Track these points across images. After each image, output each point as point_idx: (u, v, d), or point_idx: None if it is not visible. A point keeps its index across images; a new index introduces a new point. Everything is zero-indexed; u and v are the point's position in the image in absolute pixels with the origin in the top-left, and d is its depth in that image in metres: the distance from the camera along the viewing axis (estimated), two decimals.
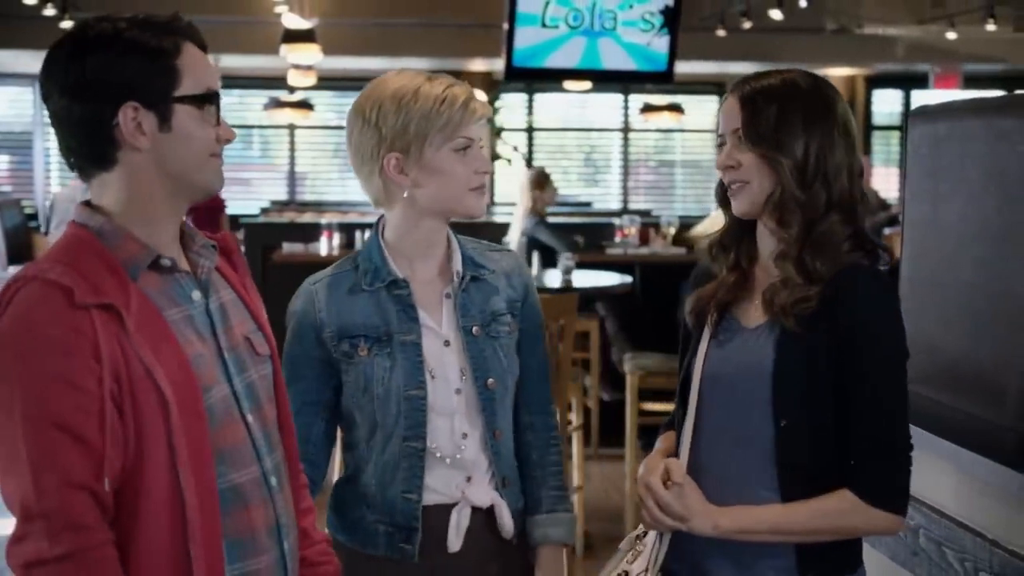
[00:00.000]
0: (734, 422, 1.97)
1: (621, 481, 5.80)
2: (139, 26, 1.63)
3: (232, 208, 12.28)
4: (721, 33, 10.52)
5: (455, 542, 2.14)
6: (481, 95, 2.08)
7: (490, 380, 2.15)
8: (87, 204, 1.68)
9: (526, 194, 7.70)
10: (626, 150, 13.81)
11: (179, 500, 1.57)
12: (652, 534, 2.07)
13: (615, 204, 13.47)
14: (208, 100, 1.67)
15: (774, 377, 1.91)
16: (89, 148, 1.64)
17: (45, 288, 1.55)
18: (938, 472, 2.43)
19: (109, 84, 1.61)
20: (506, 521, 2.19)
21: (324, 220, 7.54)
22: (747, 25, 10.24)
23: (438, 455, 2.13)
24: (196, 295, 1.70)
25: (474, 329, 2.16)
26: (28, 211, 12.31)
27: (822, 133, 1.94)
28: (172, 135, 1.64)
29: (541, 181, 7.74)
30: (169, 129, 1.64)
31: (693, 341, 2.09)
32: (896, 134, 14.18)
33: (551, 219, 7.88)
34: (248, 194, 13.02)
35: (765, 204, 1.96)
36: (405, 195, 2.12)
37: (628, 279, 6.95)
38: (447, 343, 2.15)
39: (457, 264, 2.19)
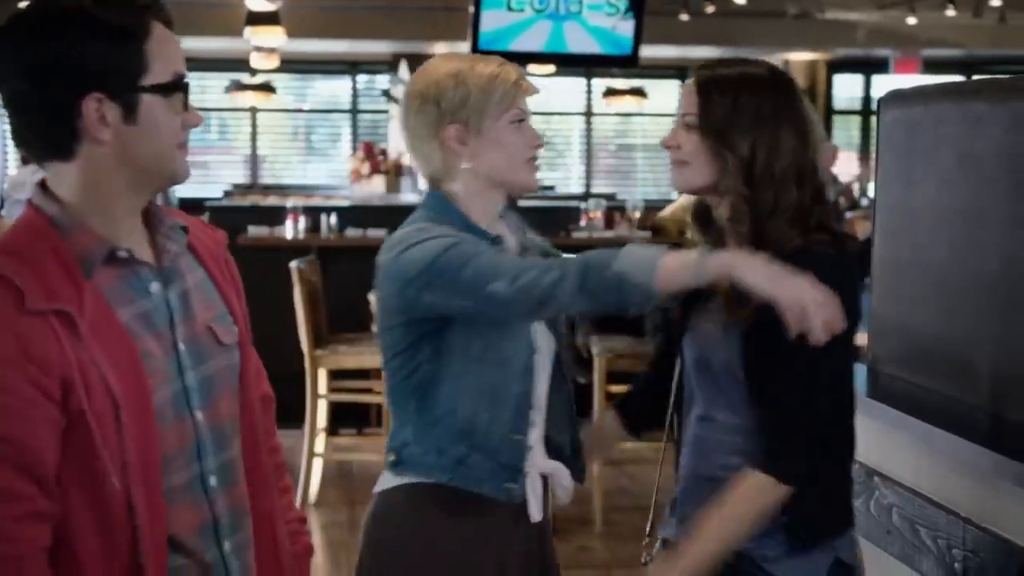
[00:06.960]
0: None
1: None
2: (105, 2, 1.51)
3: (193, 191, 12.17)
4: (684, 17, 10.54)
5: (536, 512, 2.18)
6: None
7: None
8: (44, 186, 1.57)
9: None
10: (589, 134, 13.83)
11: (128, 505, 1.50)
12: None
13: (576, 188, 13.47)
14: (176, 88, 1.56)
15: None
16: (46, 138, 1.53)
17: None
18: (911, 451, 2.46)
19: (72, 70, 1.49)
20: (567, 485, 2.22)
21: (289, 203, 7.46)
22: (710, 9, 10.27)
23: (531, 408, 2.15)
24: (155, 287, 1.61)
25: None
26: None
27: (771, 134, 1.97)
28: (138, 128, 1.54)
29: None
30: (135, 122, 1.53)
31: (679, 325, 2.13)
32: (856, 119, 14.27)
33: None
34: (206, 177, 12.92)
35: (707, 190, 2.03)
36: (465, 166, 2.12)
37: None
38: None
39: (517, 233, 2.23)
